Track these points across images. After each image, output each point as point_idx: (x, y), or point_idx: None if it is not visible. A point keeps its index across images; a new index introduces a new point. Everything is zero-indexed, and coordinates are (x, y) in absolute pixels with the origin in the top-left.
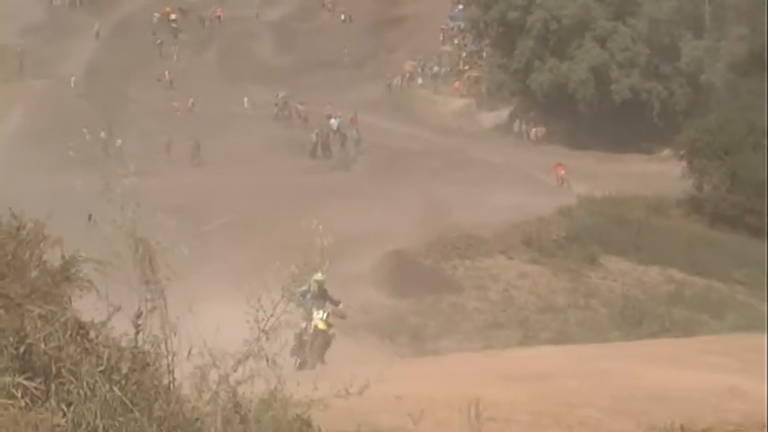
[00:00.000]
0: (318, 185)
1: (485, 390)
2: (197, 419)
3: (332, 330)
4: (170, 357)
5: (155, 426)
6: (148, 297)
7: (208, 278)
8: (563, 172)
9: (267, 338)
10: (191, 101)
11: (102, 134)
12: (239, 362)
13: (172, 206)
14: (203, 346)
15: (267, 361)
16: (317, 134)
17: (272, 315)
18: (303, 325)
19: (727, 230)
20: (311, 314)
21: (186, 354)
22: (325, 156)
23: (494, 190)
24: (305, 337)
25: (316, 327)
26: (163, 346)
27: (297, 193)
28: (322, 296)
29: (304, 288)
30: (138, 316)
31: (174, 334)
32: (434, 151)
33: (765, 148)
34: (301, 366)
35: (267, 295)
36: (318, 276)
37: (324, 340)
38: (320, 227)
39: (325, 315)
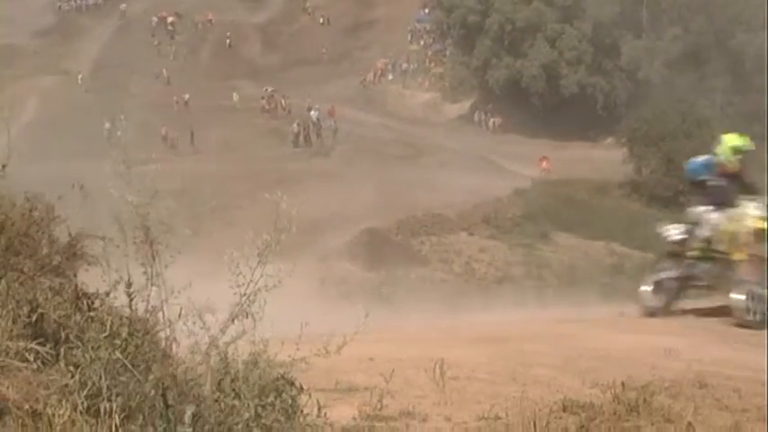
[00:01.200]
0: (300, 171)
1: (449, 351)
2: (190, 379)
3: None
4: (166, 324)
5: (152, 385)
6: (148, 270)
7: (201, 253)
8: (546, 164)
9: (248, 301)
10: (186, 96)
11: (107, 125)
12: (225, 324)
13: (170, 190)
14: (195, 313)
15: (249, 317)
16: (297, 124)
17: (250, 281)
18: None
19: (663, 209)
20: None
21: (178, 318)
22: (306, 144)
23: (457, 174)
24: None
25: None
26: (160, 315)
27: (281, 178)
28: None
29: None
30: (129, 285)
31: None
32: (404, 140)
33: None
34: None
35: (246, 263)
36: None
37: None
38: (285, 201)
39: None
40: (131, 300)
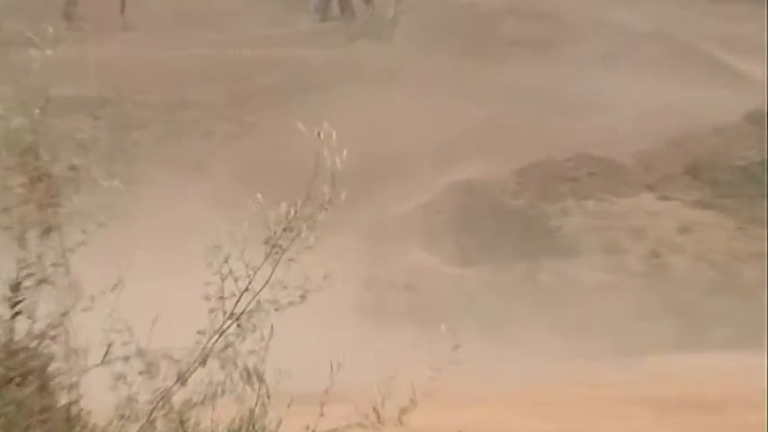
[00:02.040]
0: (331, 65)
1: (612, 425)
2: None
3: None
4: (73, 360)
5: None
6: (37, 256)
7: (149, 224)
8: None
9: (238, 325)
10: None
11: None
12: (190, 368)
13: (78, 99)
14: (130, 342)
15: (239, 370)
16: None
17: (246, 289)
18: None
19: None
20: None
21: (102, 355)
22: (344, 15)
23: (635, 77)
24: None
25: None
26: (62, 342)
27: (297, 76)
28: None
29: None
30: (16, 287)
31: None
32: (533, 8)
33: None
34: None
35: (237, 254)
36: None
37: None
38: (332, 134)
39: None
40: (15, 315)
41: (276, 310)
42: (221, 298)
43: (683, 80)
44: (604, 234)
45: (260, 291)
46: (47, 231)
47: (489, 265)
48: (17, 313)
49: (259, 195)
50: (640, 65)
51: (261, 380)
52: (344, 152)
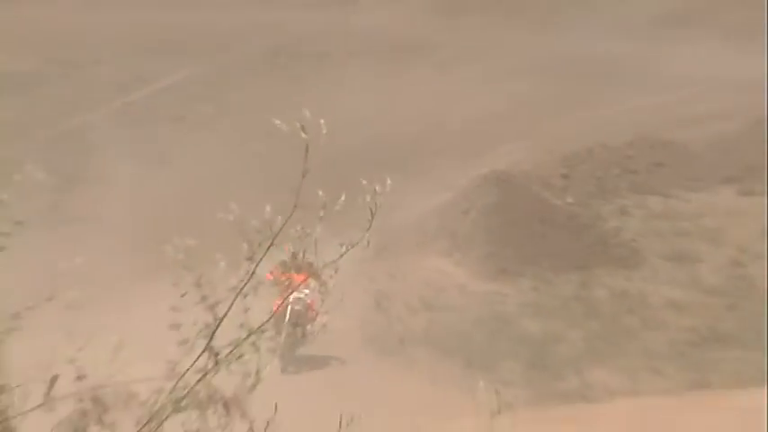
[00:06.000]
0: (331, 29)
1: None
2: None
3: None
4: (8, 401)
5: None
6: None
7: (98, 230)
8: None
9: (218, 364)
10: None
11: None
12: (158, 412)
13: (16, 71)
14: (81, 378)
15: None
16: None
17: (225, 312)
18: None
19: None
20: None
21: (44, 393)
22: None
23: (710, 43)
24: None
25: None
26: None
27: (287, 45)
28: None
29: None
30: None
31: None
32: None
33: None
34: None
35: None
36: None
37: None
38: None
39: None
40: None
41: (257, 352)
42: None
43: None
44: (673, 239)
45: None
46: None
47: (529, 279)
48: None
49: (233, 206)
50: (718, 29)
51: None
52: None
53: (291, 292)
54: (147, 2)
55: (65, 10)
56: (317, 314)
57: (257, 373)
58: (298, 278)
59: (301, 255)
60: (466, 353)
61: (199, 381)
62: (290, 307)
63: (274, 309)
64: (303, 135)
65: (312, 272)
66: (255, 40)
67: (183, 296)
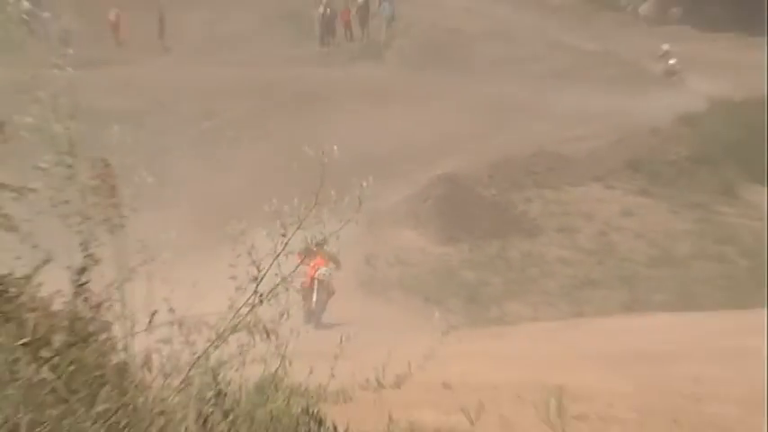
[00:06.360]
0: (333, 82)
1: (570, 375)
2: (161, 413)
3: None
4: (125, 326)
5: (99, 422)
6: (94, 242)
7: (181, 214)
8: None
9: (262, 302)
10: None
11: (25, 3)
12: (223, 334)
13: (125, 110)
14: (172, 311)
15: (264, 333)
16: (326, 6)
17: (268, 267)
18: None
19: None
20: None
21: (147, 321)
22: (345, 38)
23: (586, 88)
24: None
25: None
26: (115, 311)
27: (302, 93)
28: None
29: None
30: (82, 271)
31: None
32: (503, 33)
33: None
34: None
35: (261, 242)
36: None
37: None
38: (333, 149)
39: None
40: (80, 289)
41: (287, 290)
42: (252, 278)
43: (626, 90)
44: (561, 217)
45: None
46: (111, 225)
47: (466, 244)
48: (79, 291)
49: (274, 200)
50: (590, 78)
51: (281, 343)
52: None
53: (317, 270)
54: (213, 61)
55: (160, 68)
56: (334, 290)
57: (287, 309)
58: (320, 261)
59: (323, 244)
60: (425, 293)
61: (248, 313)
62: (316, 281)
63: (305, 282)
64: (324, 160)
65: (331, 257)
66: (287, 87)
67: (237, 257)
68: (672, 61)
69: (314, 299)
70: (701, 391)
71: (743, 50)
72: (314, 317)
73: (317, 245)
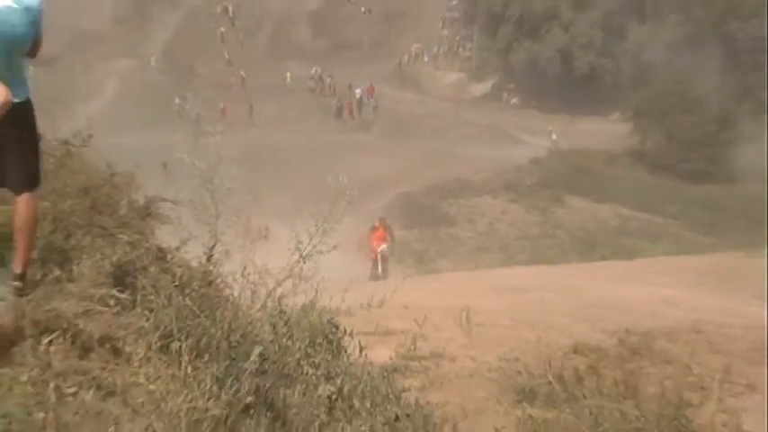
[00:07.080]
0: (344, 142)
1: (474, 300)
2: (249, 323)
3: None
4: (230, 277)
5: (217, 327)
6: (215, 230)
7: (259, 217)
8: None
9: (305, 262)
10: (244, 74)
11: (177, 101)
12: (282, 279)
13: (231, 158)
14: (256, 268)
15: (301, 277)
16: (338, 100)
17: (308, 243)
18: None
19: (664, 176)
20: None
21: (241, 272)
22: (349, 119)
23: (481, 145)
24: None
25: None
26: (224, 267)
27: (327, 148)
28: None
29: None
30: (212, 247)
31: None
32: (435, 114)
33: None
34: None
35: (305, 229)
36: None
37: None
38: (344, 178)
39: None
40: (210, 257)
41: (319, 252)
42: (297, 249)
43: (502, 145)
44: (467, 215)
45: (315, 244)
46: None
47: (417, 230)
48: (208, 256)
49: (309, 210)
50: (483, 140)
51: (313, 285)
52: (356, 190)
53: (381, 244)
54: (280, 130)
55: (251, 135)
56: (388, 257)
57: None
58: (380, 234)
59: (384, 219)
60: (395, 257)
61: (294, 266)
62: (380, 255)
63: (372, 256)
64: (339, 184)
65: (386, 228)
66: (317, 143)
67: (294, 236)
68: (554, 137)
69: (379, 269)
70: (545, 308)
71: (568, 123)
72: (380, 280)
73: (380, 219)
